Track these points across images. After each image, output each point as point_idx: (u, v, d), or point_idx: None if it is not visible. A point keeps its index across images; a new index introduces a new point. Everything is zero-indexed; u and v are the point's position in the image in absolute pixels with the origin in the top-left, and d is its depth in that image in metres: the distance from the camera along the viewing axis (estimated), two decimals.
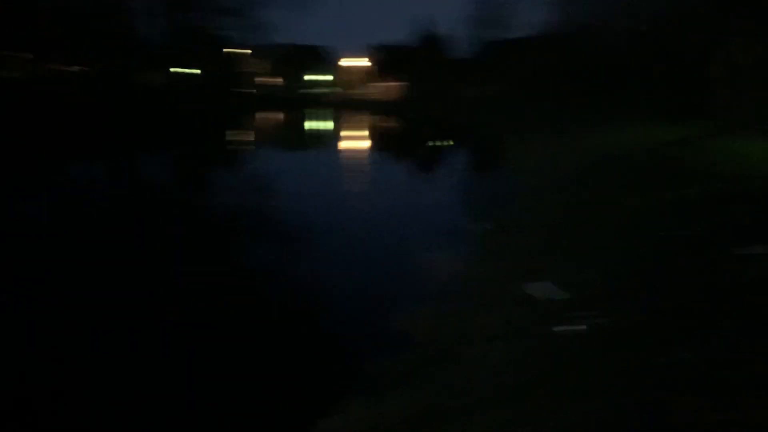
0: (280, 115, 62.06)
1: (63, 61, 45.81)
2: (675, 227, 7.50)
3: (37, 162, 23.03)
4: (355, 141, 38.95)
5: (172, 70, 55.11)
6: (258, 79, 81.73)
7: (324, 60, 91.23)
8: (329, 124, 54.39)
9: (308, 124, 53.81)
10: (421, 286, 8.00)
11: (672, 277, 5.81)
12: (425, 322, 6.44)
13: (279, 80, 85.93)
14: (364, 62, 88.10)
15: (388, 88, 75.43)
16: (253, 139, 40.37)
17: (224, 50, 61.60)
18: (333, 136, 42.92)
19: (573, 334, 4.57)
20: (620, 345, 4.36)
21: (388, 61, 76.54)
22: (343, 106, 72.56)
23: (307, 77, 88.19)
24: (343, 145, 36.45)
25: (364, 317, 7.60)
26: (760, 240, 6.13)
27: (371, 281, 8.96)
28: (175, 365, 6.40)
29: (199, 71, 56.99)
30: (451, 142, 36.66)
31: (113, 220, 13.96)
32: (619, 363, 4.15)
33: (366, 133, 46.18)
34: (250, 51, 78.38)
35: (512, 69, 49.04)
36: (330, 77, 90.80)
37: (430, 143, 36.42)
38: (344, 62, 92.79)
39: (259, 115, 58.40)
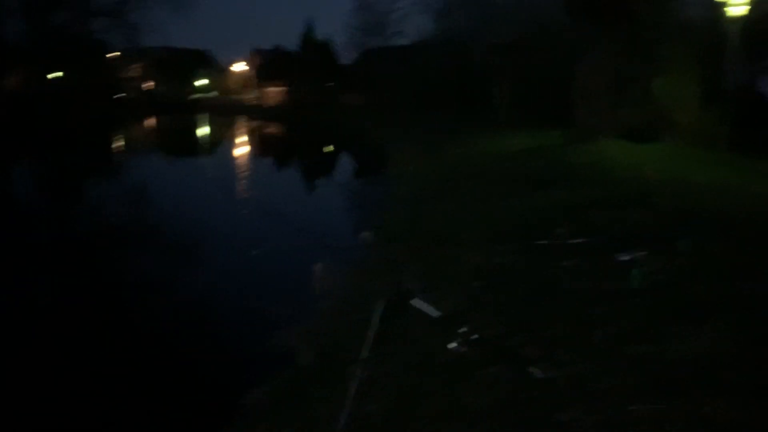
0: (159, 120, 59.38)
1: None
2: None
3: None
4: (236, 147, 37.91)
5: (48, 76, 50.59)
6: (136, 84, 77.77)
7: (204, 64, 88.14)
8: (208, 130, 52.57)
9: (187, 130, 51.68)
10: (304, 300, 7.74)
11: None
12: (306, 339, 6.18)
13: (156, 84, 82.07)
14: (244, 67, 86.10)
15: (269, 93, 74.19)
16: (132, 145, 38.13)
17: (101, 54, 58.03)
18: (213, 142, 41.47)
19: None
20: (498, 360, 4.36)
21: (269, 66, 75.11)
22: (223, 110, 70.72)
23: (186, 81, 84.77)
24: (223, 150, 35.33)
25: (242, 333, 7.23)
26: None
27: (252, 293, 8.59)
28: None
29: (73, 76, 52.81)
30: (331, 148, 36.57)
31: None
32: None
33: (247, 138, 45.08)
34: (122, 54, 74.50)
35: (392, 77, 49.69)
36: (209, 81, 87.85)
37: (312, 149, 36.15)
38: (224, 67, 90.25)
39: (138, 121, 55.63)
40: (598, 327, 4.71)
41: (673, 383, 3.78)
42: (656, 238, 7.10)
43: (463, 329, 4.75)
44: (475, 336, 4.67)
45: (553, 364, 4.17)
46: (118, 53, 72.12)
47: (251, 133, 49.19)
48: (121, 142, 39.79)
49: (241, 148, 37.44)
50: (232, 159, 31.47)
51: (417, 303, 4.62)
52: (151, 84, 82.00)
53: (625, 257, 6.28)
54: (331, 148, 36.70)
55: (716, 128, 15.78)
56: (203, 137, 44.88)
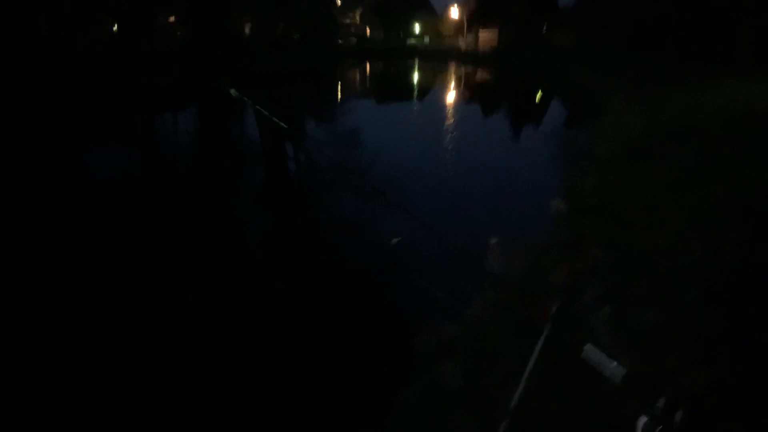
0: (373, 66, 61.17)
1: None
2: None
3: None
4: (445, 92, 37.46)
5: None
6: (353, 30, 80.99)
7: (419, 10, 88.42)
8: (418, 75, 52.81)
9: (398, 75, 52.49)
10: (476, 276, 7.06)
11: None
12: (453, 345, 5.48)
13: (371, 31, 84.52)
14: (456, 11, 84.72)
15: (480, 38, 72.36)
16: (345, 90, 39.75)
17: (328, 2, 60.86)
18: (421, 87, 41.51)
19: None
20: None
21: (481, 9, 72.95)
22: (435, 56, 70.74)
23: (401, 27, 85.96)
24: (431, 96, 35.13)
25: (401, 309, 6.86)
26: None
27: (428, 260, 8.15)
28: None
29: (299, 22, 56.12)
30: (539, 95, 34.56)
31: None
32: None
33: (455, 83, 44.43)
34: (340, 2, 77.56)
35: (613, 17, 45.23)
36: (423, 27, 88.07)
37: (518, 95, 34.49)
38: (439, 12, 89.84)
39: (353, 67, 57.88)
40: None
41: None
42: None
43: (663, 402, 2.52)
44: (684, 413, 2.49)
45: None
46: (339, 1, 75.31)
47: (460, 79, 48.45)
48: (336, 87, 41.50)
49: (449, 93, 36.91)
50: (439, 104, 31.15)
51: (590, 353, 2.57)
52: (366, 31, 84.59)
53: None
54: (539, 95, 34.70)
55: None
56: (412, 83, 45.11)
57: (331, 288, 7.57)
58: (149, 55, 36.66)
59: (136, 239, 9.37)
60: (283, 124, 3.91)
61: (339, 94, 37.17)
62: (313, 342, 6.22)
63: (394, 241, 8.00)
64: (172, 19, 49.00)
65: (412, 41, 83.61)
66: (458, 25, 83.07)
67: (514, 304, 5.14)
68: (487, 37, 71.12)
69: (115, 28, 41.08)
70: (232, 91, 3.79)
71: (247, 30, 52.29)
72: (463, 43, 77.08)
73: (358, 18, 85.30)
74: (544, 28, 62.41)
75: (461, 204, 11.15)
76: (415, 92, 38.11)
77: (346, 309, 6.91)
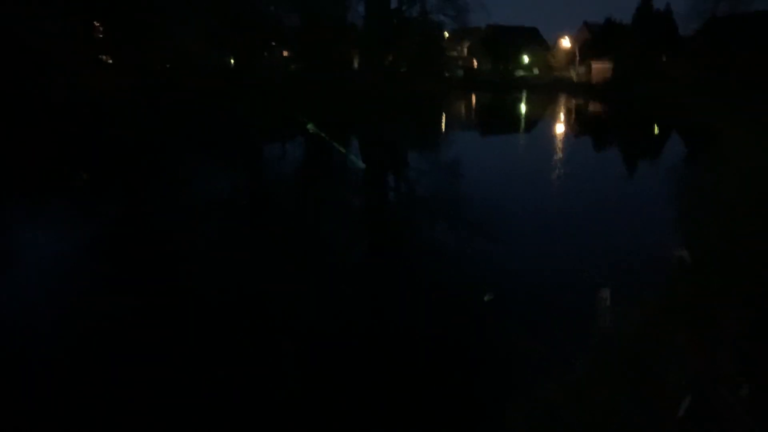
0: (479, 98, 60.67)
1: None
2: None
3: None
4: (552, 125, 36.17)
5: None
6: (460, 62, 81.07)
7: (529, 41, 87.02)
8: (526, 108, 51.61)
9: (505, 108, 51.57)
10: (578, 334, 6.31)
11: None
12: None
13: (479, 63, 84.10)
14: (568, 42, 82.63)
15: (593, 70, 69.98)
16: (450, 121, 39.49)
17: (436, 34, 61.36)
18: (528, 120, 40.42)
19: None
20: None
21: (595, 40, 70.65)
22: (543, 89, 69.15)
23: (509, 59, 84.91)
24: (538, 129, 34.04)
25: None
26: None
27: (538, 297, 7.53)
28: None
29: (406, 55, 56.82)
30: (658, 129, 32.54)
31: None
32: None
33: (564, 117, 42.88)
34: (449, 34, 78.00)
35: (739, 49, 42.13)
36: (532, 59, 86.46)
37: (636, 131, 32.62)
38: (549, 44, 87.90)
39: (459, 98, 57.70)
40: None
41: None
42: None
43: None
44: None
45: None
46: (447, 33, 75.79)
47: (570, 111, 46.82)
48: (441, 117, 41.29)
49: (559, 126, 35.61)
50: (548, 137, 30.08)
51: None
52: (473, 63, 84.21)
53: None
54: (656, 129, 32.72)
55: None
56: (520, 115, 44.07)
57: (419, 324, 7.07)
58: (260, 87, 38.28)
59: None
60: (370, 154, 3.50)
61: (444, 125, 36.90)
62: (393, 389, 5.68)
63: (488, 298, 7.34)
64: (285, 53, 51.13)
65: (520, 73, 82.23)
66: (569, 56, 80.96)
67: (631, 377, 4.36)
68: (600, 68, 68.72)
69: (232, 60, 43.44)
70: (310, 127, 3.43)
71: (355, 63, 53.55)
72: (574, 74, 74.98)
73: (466, 50, 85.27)
74: (663, 58, 59.30)
75: (567, 245, 10.28)
76: (523, 125, 37.20)
77: (429, 355, 6.32)
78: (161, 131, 25.90)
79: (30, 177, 16.24)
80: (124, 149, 21.46)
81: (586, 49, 73.73)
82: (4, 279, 8.70)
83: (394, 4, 53.13)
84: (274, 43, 48.66)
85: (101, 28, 38.76)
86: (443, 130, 34.13)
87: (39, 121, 25.63)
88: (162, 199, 14.67)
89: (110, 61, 38.14)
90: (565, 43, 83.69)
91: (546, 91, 67.47)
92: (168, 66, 38.24)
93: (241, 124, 30.05)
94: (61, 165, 18.49)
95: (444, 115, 43.42)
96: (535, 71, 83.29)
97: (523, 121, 39.69)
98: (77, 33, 35.29)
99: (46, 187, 15.37)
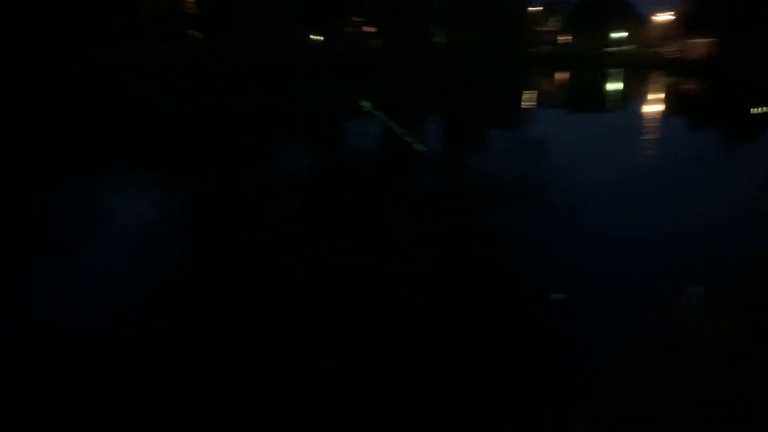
0: (571, 75, 58.37)
1: None
2: None
3: None
4: (646, 104, 33.98)
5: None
6: (552, 38, 78.40)
7: (623, 15, 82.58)
8: (620, 86, 48.89)
9: (596, 85, 49.14)
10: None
11: None
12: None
13: (572, 38, 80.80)
14: (667, 16, 77.63)
15: (693, 46, 65.40)
16: (539, 99, 38.05)
17: (521, 8, 59.66)
18: (619, 98, 38.26)
19: None
20: None
21: (697, 12, 65.87)
22: (638, 65, 65.49)
23: (602, 34, 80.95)
24: (630, 108, 32.11)
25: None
26: None
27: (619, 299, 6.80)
28: None
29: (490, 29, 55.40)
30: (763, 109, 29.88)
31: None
32: None
33: (659, 96, 40.17)
34: (542, 8, 75.51)
35: None
36: (627, 34, 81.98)
37: (739, 113, 30.06)
38: (645, 17, 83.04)
39: (549, 75, 55.83)
40: None
41: None
42: None
43: None
44: None
45: None
46: (540, 8, 73.23)
47: (665, 90, 43.91)
48: (530, 96, 39.85)
49: (651, 105, 33.45)
50: (639, 116, 28.31)
51: None
52: (567, 38, 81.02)
53: None
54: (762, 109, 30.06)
55: None
56: (611, 93, 41.80)
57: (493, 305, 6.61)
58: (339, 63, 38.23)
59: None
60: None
61: (528, 102, 35.58)
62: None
63: (557, 296, 6.68)
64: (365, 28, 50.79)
65: (612, 49, 78.31)
66: (666, 31, 76.19)
67: None
68: (699, 44, 64.19)
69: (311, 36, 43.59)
70: (365, 104, 3.01)
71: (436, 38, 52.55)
72: (671, 51, 70.53)
73: (555, 25, 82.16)
74: None
75: (652, 238, 9.32)
76: (612, 103, 35.26)
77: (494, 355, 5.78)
78: (240, 107, 26.26)
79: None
80: (202, 124, 22.05)
81: (685, 22, 68.98)
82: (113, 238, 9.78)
83: None
84: (355, 19, 48.37)
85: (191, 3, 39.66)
86: (527, 107, 32.88)
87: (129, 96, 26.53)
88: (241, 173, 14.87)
89: (197, 36, 38.99)
90: (664, 16, 78.72)
91: (639, 67, 63.88)
92: (253, 41, 38.72)
93: (313, 100, 30.10)
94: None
95: (529, 92, 41.92)
96: (628, 47, 79.02)
97: (613, 99, 37.68)
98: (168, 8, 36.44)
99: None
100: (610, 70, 61.52)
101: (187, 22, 37.98)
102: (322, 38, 43.99)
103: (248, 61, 33.42)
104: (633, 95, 40.44)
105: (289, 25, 40.80)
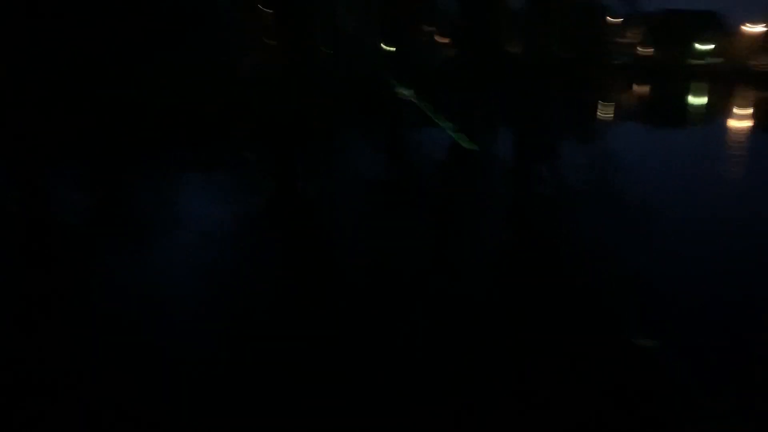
0: (652, 88, 56.52)
1: None
2: None
3: None
4: (737, 120, 32.35)
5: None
6: (633, 49, 76.34)
7: (709, 26, 79.11)
8: (705, 100, 46.87)
9: (680, 99, 47.30)
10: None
11: None
12: None
13: (654, 50, 78.12)
14: (758, 28, 73.81)
15: None
16: (616, 112, 37.04)
17: (600, 18, 58.60)
18: (709, 114, 36.69)
19: None
20: None
21: None
22: (725, 78, 62.62)
23: (687, 46, 77.85)
24: (719, 124, 30.74)
25: None
26: None
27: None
28: None
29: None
30: None
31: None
32: None
33: (750, 111, 38.18)
34: (623, 20, 73.73)
35: None
36: (713, 46, 78.41)
37: None
38: (734, 29, 79.14)
39: (628, 87, 54.31)
40: None
41: None
42: None
43: None
44: None
45: None
46: (620, 19, 71.39)
47: (755, 104, 41.67)
48: (606, 108, 38.86)
49: (738, 120, 31.91)
50: (723, 131, 27.06)
51: None
52: (648, 50, 78.49)
53: None
54: None
55: None
56: (693, 108, 40.20)
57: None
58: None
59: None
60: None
61: (605, 114, 34.73)
62: None
63: (646, 342, 6.24)
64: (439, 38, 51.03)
65: (697, 60, 75.19)
66: (757, 43, 72.53)
67: None
68: None
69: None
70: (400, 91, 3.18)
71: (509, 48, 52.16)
72: (761, 64, 67.08)
73: (638, 36, 79.69)
74: None
75: (738, 265, 8.77)
76: (694, 117, 33.89)
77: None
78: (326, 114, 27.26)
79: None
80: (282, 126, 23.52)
81: None
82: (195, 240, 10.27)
83: None
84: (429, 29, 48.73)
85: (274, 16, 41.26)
86: (604, 120, 32.10)
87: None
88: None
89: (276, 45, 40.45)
90: (755, 27, 74.86)
91: (727, 80, 60.93)
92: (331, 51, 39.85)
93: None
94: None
95: (606, 103, 40.87)
96: (718, 59, 75.47)
97: (695, 112, 36.22)
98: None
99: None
100: (694, 83, 59.06)
101: (278, 33, 39.90)
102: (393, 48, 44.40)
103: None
104: (718, 110, 38.70)
105: (368, 35, 41.66)
